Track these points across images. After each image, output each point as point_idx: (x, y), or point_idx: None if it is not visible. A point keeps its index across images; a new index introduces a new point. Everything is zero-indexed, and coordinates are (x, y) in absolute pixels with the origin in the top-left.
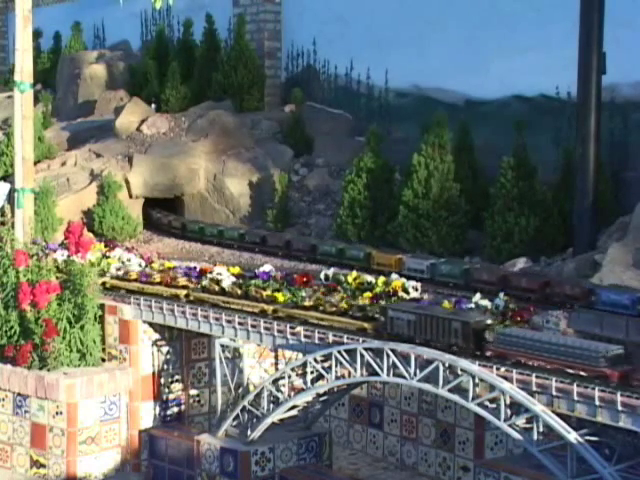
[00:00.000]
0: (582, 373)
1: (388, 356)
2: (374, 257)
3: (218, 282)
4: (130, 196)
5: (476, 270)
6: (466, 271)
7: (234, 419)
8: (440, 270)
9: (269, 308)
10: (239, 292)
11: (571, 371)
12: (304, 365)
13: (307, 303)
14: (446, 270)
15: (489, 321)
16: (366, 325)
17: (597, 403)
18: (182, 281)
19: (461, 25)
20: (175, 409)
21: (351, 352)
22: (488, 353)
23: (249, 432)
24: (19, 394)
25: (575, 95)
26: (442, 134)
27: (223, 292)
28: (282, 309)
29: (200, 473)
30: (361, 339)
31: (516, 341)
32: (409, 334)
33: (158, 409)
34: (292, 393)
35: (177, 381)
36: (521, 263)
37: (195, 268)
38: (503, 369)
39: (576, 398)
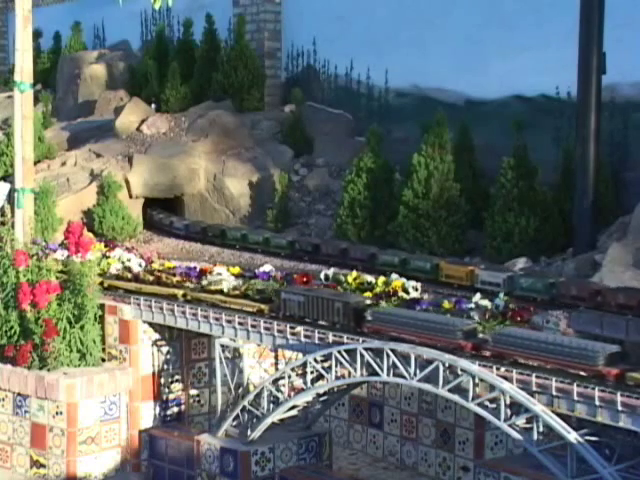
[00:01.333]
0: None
1: (388, 356)
2: (442, 269)
3: (130, 269)
4: (130, 196)
5: (563, 284)
6: (551, 285)
7: (234, 419)
8: (519, 284)
9: (179, 292)
10: (150, 279)
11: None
12: (304, 365)
13: (213, 287)
14: (527, 284)
15: (368, 302)
16: (263, 306)
17: (597, 403)
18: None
19: (461, 25)
20: (175, 409)
21: (351, 352)
22: (365, 330)
23: (249, 432)
24: (19, 394)
25: (575, 95)
26: (442, 134)
27: (136, 279)
28: (190, 293)
29: (200, 473)
30: (361, 339)
31: (390, 319)
32: (300, 314)
33: (158, 409)
34: (292, 393)
35: (177, 381)
36: (521, 263)
37: (195, 268)
38: (503, 369)
39: (576, 398)
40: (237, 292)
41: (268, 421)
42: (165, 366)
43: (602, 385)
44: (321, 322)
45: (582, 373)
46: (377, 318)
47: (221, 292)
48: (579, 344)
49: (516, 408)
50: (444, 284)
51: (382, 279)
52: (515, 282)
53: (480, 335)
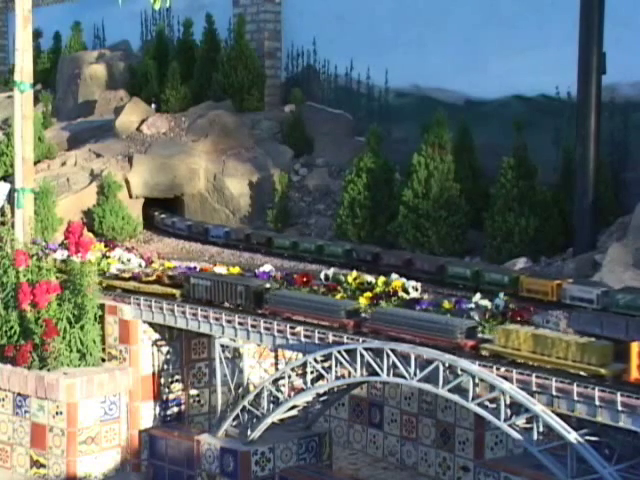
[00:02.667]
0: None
1: (388, 356)
2: (523, 282)
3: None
4: (130, 196)
5: None
6: None
7: (234, 419)
8: (616, 300)
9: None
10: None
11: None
12: (304, 365)
13: (126, 275)
14: (626, 301)
15: (267, 285)
16: (175, 291)
17: (597, 403)
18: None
19: (461, 25)
20: (175, 409)
21: (351, 352)
22: (264, 311)
23: (249, 432)
24: (19, 394)
25: (575, 95)
26: (442, 134)
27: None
28: (104, 279)
29: (200, 473)
30: (361, 339)
31: (285, 300)
32: (207, 297)
33: (158, 409)
34: (292, 393)
35: (177, 381)
36: (521, 263)
37: (195, 268)
38: (503, 369)
39: (576, 398)
40: (150, 278)
41: (268, 421)
42: (165, 366)
43: (463, 356)
44: (226, 304)
45: (444, 345)
46: (274, 300)
47: (134, 278)
48: (441, 320)
49: (516, 408)
50: (525, 299)
51: (382, 279)
52: (612, 298)
53: (362, 314)
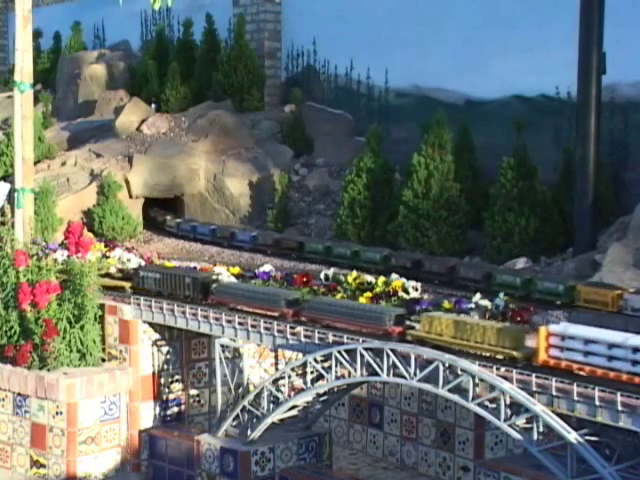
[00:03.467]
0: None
1: (388, 356)
2: (580, 292)
3: None
4: (130, 196)
5: None
6: None
7: (234, 419)
8: None
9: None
10: None
11: None
12: (304, 365)
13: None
14: None
15: (214, 277)
16: (125, 284)
17: (597, 403)
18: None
19: (461, 25)
20: (175, 409)
21: (351, 352)
22: (210, 301)
23: (249, 432)
24: (19, 394)
25: (575, 95)
26: (442, 134)
27: None
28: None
29: (200, 473)
30: (361, 339)
31: (229, 291)
32: (156, 289)
33: (158, 409)
34: (292, 393)
35: (177, 381)
36: (521, 263)
37: (195, 268)
38: (503, 369)
39: (576, 398)
40: (100, 272)
41: (268, 421)
42: (165, 366)
43: (389, 340)
44: (174, 295)
45: (375, 332)
46: (219, 291)
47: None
48: (371, 308)
49: (516, 408)
50: (582, 308)
51: (382, 279)
52: None
53: (301, 304)
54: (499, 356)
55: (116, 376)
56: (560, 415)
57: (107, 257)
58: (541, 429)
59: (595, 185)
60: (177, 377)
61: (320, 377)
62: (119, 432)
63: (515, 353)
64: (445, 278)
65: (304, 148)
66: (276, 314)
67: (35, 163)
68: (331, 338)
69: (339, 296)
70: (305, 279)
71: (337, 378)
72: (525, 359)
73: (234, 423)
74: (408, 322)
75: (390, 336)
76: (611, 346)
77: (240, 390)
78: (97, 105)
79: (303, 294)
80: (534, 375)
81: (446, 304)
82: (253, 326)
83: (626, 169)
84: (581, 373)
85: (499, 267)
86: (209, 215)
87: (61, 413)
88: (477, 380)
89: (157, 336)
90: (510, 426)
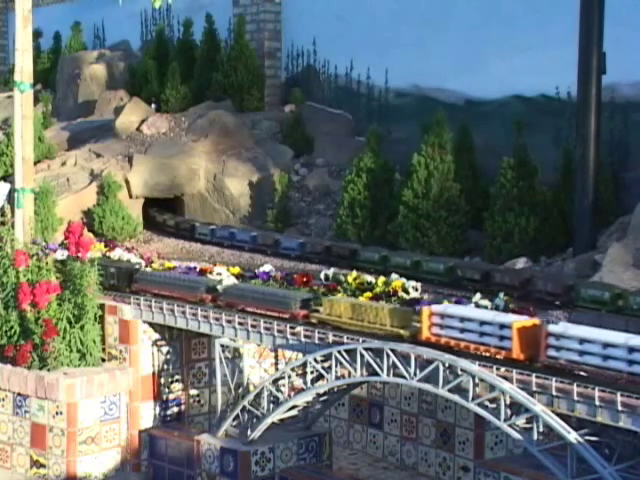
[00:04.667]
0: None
1: (388, 356)
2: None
3: None
4: (130, 196)
5: None
6: None
7: (234, 419)
8: None
9: None
10: None
11: None
12: (304, 365)
13: None
14: None
15: (137, 267)
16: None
17: (597, 403)
18: None
19: (461, 25)
20: (175, 409)
21: (351, 352)
22: (134, 288)
23: (249, 432)
24: (19, 394)
25: (575, 95)
26: (442, 134)
27: None
28: None
29: (200, 473)
30: (361, 339)
31: (151, 279)
32: None
33: (158, 409)
34: (292, 393)
35: (177, 381)
36: (521, 263)
37: (195, 268)
38: (503, 369)
39: (576, 398)
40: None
41: (268, 421)
42: (165, 366)
43: (295, 322)
44: (103, 284)
45: (282, 315)
46: (143, 279)
47: None
48: (280, 294)
49: (516, 408)
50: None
51: (382, 279)
52: None
53: (218, 289)
54: (390, 334)
55: (116, 376)
56: (560, 415)
57: (107, 257)
58: (541, 429)
59: (595, 185)
60: (177, 377)
61: (320, 377)
62: (119, 432)
63: (402, 331)
64: (520, 292)
65: (304, 148)
66: (195, 300)
67: (35, 163)
68: (331, 338)
69: (340, 295)
70: (305, 279)
71: (337, 378)
72: (411, 336)
73: (234, 423)
74: (313, 306)
75: (296, 319)
76: (482, 323)
77: (240, 390)
78: (97, 105)
79: (221, 280)
80: (534, 375)
81: (446, 304)
82: (253, 326)
83: (626, 169)
84: (456, 348)
85: (583, 280)
86: (209, 215)
87: (61, 413)
88: (477, 380)
89: (157, 336)
90: (510, 426)
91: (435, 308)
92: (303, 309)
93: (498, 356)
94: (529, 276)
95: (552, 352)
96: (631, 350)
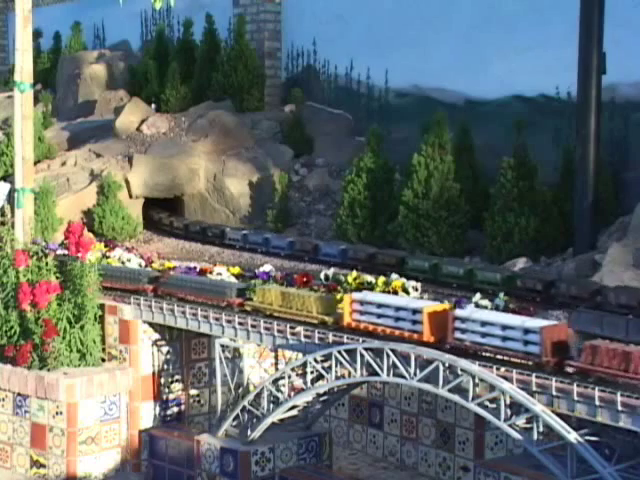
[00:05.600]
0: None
1: (388, 356)
2: None
3: None
4: (130, 196)
5: None
6: None
7: (234, 419)
8: None
9: None
10: None
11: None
12: (304, 365)
13: None
14: None
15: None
16: None
17: (597, 403)
18: None
19: (461, 25)
20: (175, 409)
21: (351, 352)
22: None
23: (249, 432)
24: (19, 394)
25: (575, 95)
26: (442, 134)
27: None
28: None
29: (200, 473)
30: (361, 339)
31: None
32: None
33: (158, 409)
34: (292, 393)
35: (177, 381)
36: (521, 263)
37: (195, 268)
38: (503, 369)
39: (576, 398)
40: None
41: (268, 421)
42: (165, 366)
43: (231, 309)
44: None
45: (219, 303)
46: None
47: None
48: (217, 283)
49: (516, 408)
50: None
51: (382, 279)
52: None
53: (161, 280)
54: (315, 321)
55: (116, 376)
56: (560, 415)
57: (107, 257)
58: (541, 429)
59: (595, 185)
60: (177, 377)
61: (320, 377)
62: (119, 432)
63: (327, 318)
64: (589, 304)
65: (304, 148)
66: (137, 289)
67: (35, 163)
68: (331, 338)
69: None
70: (305, 279)
71: (337, 378)
72: (335, 323)
73: (234, 423)
74: (248, 295)
75: (232, 306)
76: (397, 309)
77: (240, 390)
78: (97, 105)
79: (162, 271)
80: (534, 375)
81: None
82: (253, 326)
83: (626, 169)
84: (375, 332)
85: None
86: (209, 215)
87: (61, 413)
88: (477, 380)
89: (157, 336)
90: (510, 426)
91: (355, 296)
92: (239, 297)
93: (411, 339)
94: (597, 287)
95: (458, 334)
96: (526, 331)
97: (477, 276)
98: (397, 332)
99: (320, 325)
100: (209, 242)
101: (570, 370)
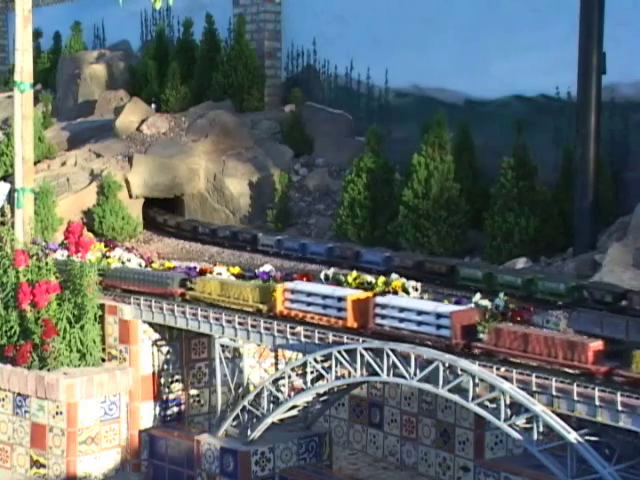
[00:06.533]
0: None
1: (388, 356)
2: None
3: None
4: (130, 196)
5: None
6: None
7: (234, 419)
8: None
9: None
10: None
11: None
12: (304, 365)
13: None
14: None
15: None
16: None
17: (597, 403)
18: None
19: (461, 25)
20: (175, 409)
21: (351, 352)
22: None
23: (249, 432)
24: (19, 394)
25: (575, 95)
26: (442, 134)
27: None
28: None
29: (200, 473)
30: (361, 339)
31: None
32: None
33: (158, 409)
34: (292, 393)
35: (177, 381)
36: (521, 263)
37: (195, 268)
38: (503, 369)
39: (576, 398)
40: None
41: (268, 421)
42: (165, 366)
43: (173, 299)
44: None
45: (163, 294)
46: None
47: None
48: (159, 275)
49: (516, 408)
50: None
51: (382, 279)
52: None
53: (104, 273)
54: (250, 309)
55: (116, 376)
56: (560, 415)
57: (107, 257)
58: (541, 429)
59: (595, 185)
60: (177, 377)
61: (320, 377)
62: (119, 432)
63: (261, 306)
64: None
65: (304, 148)
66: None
67: (35, 163)
68: (331, 338)
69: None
70: (305, 279)
71: (337, 378)
72: (269, 310)
73: (234, 423)
74: (189, 285)
75: (174, 296)
76: (324, 297)
77: (240, 390)
78: (97, 105)
79: (108, 264)
80: (534, 375)
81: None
82: (253, 326)
83: (626, 169)
84: (304, 319)
85: None
86: (209, 215)
87: (61, 413)
88: (477, 380)
89: (157, 336)
90: (510, 426)
91: (287, 285)
92: (181, 288)
93: (336, 325)
94: None
95: (379, 320)
96: (438, 316)
97: (538, 286)
98: (324, 319)
99: (255, 313)
100: (239, 247)
101: (476, 351)
